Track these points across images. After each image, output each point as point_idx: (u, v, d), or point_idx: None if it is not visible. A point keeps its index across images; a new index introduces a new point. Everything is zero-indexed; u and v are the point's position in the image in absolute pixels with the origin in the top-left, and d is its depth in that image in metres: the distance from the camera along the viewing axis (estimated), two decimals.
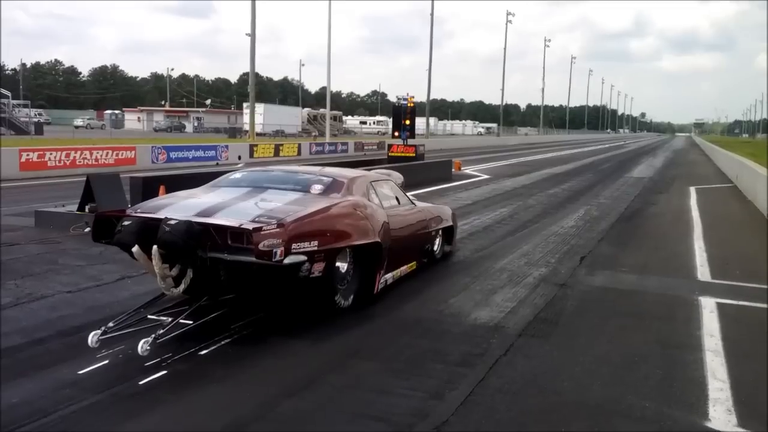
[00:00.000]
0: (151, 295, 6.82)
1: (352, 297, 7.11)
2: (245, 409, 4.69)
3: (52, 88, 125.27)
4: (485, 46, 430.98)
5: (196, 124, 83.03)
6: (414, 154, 28.09)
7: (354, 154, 42.95)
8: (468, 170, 29.39)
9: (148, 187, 12.79)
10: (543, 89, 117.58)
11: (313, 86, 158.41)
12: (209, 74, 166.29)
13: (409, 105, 29.49)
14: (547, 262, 9.85)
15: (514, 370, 5.57)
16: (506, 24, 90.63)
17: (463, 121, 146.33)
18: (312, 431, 4.48)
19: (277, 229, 5.83)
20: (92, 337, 5.53)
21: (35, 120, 57.05)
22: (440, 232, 9.86)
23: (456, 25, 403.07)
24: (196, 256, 5.85)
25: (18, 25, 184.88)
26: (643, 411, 4.84)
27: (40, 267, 8.67)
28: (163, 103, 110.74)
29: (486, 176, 26.64)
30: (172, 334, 5.73)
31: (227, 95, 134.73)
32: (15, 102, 60.67)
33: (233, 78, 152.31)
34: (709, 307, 7.66)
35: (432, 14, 67.97)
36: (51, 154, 22.66)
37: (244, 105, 68.30)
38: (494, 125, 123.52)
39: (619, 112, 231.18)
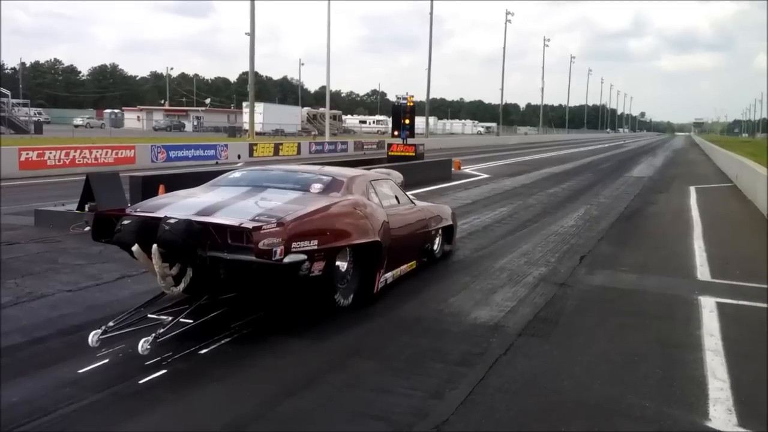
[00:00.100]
0: (150, 294, 6.81)
1: (351, 296, 7.11)
2: (245, 408, 4.69)
3: (52, 87, 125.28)
4: (485, 45, 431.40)
5: (195, 123, 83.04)
6: (413, 154, 28.10)
7: (353, 154, 42.96)
8: (467, 169, 29.39)
9: (147, 186, 12.79)
10: (542, 89, 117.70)
11: (312, 85, 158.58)
12: (209, 73, 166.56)
13: (408, 104, 29.50)
14: (546, 262, 9.85)
15: (514, 369, 5.57)
16: (505, 23, 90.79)
17: (463, 121, 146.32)
18: (312, 430, 4.48)
19: (277, 228, 5.82)
20: (92, 337, 5.53)
21: (35, 119, 56.89)
22: (440, 231, 9.87)
23: (455, 25, 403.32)
24: (196, 255, 5.83)
25: (17, 24, 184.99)
26: (643, 410, 4.84)
27: (40, 266, 8.67)
28: (162, 102, 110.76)
29: (485, 175, 26.65)
30: (172, 333, 5.72)
31: (227, 94, 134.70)
32: (14, 101, 60.57)
33: (233, 77, 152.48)
34: (708, 306, 7.67)
35: (431, 13, 68.10)
36: (50, 153, 22.65)
37: (244, 104, 68.28)
38: (494, 125, 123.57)
39: (619, 112, 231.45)
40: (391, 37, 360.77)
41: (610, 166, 37.45)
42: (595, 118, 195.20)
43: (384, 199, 8.21)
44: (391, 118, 34.79)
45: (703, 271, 9.63)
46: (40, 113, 70.57)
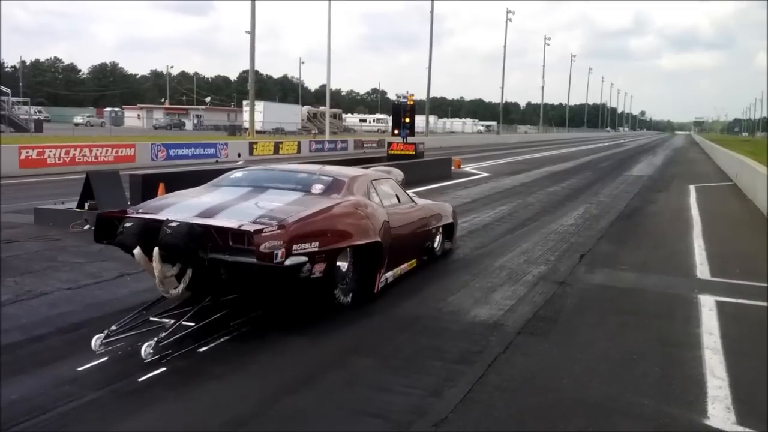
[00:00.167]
0: (150, 293, 6.84)
1: (351, 295, 7.13)
2: (245, 406, 4.70)
3: (52, 85, 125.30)
4: (485, 43, 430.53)
5: (195, 121, 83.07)
6: (414, 152, 28.11)
7: (354, 152, 42.95)
8: (467, 168, 29.39)
9: (147, 185, 12.81)
10: (543, 87, 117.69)
11: (312, 84, 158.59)
12: (209, 72, 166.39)
13: (408, 103, 29.50)
14: (546, 260, 9.85)
15: (513, 367, 5.58)
16: (506, 22, 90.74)
17: (463, 119, 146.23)
18: (311, 428, 4.48)
19: (278, 231, 5.83)
20: (95, 341, 5.51)
21: (35, 117, 56.90)
22: (440, 229, 9.90)
23: (456, 23, 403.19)
24: (197, 258, 5.83)
25: (17, 23, 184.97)
26: (642, 409, 4.84)
27: (39, 264, 8.67)
28: (162, 100, 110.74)
29: (485, 174, 26.65)
30: (174, 337, 5.72)
31: (227, 93, 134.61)
32: (15, 99, 60.54)
33: (233, 75, 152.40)
34: (708, 305, 7.67)
35: (432, 12, 68.01)
36: (50, 151, 22.65)
37: (244, 103, 68.18)
38: (494, 123, 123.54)
39: (619, 111, 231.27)
40: (392, 36, 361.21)
41: (609, 164, 37.44)
42: (596, 116, 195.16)
43: (385, 198, 8.23)
44: (391, 117, 34.80)
45: (702, 269, 9.63)
46: (40, 111, 70.53)
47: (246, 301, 6.82)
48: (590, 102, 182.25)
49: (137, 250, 5.81)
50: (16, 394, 4.75)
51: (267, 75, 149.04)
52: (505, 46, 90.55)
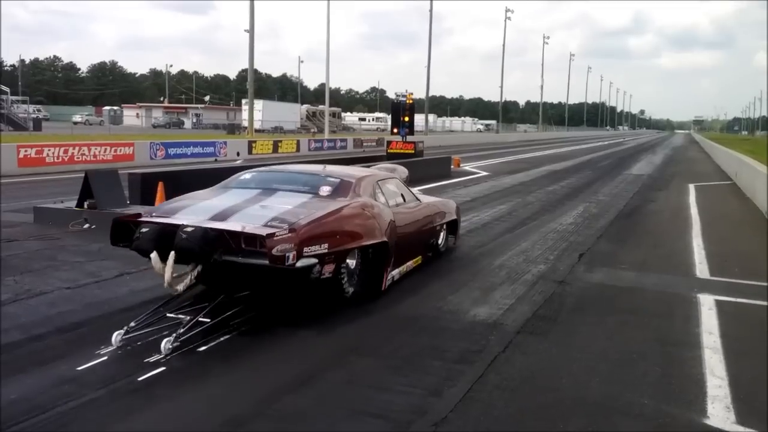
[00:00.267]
0: (149, 292, 7.06)
1: (360, 293, 7.28)
2: (244, 406, 4.70)
3: (51, 84, 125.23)
4: (484, 42, 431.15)
5: (194, 120, 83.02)
6: (413, 151, 28.11)
7: (353, 151, 42.94)
8: (467, 167, 29.38)
9: (146, 184, 12.82)
10: (542, 86, 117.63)
11: (312, 83, 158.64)
12: (208, 70, 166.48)
13: (408, 102, 29.49)
14: (545, 259, 9.85)
15: (513, 367, 5.57)
16: (505, 21, 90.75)
17: (462, 118, 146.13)
18: (310, 428, 4.48)
19: (289, 234, 5.96)
20: (115, 337, 5.67)
21: (34, 116, 56.91)
22: (444, 226, 10.04)
23: (455, 22, 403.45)
24: (211, 261, 6.01)
25: (17, 21, 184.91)
26: (641, 408, 4.84)
27: (38, 263, 8.67)
28: (161, 99, 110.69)
29: (485, 173, 26.64)
30: (192, 333, 5.83)
31: (226, 91, 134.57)
32: (14, 98, 60.42)
33: (232, 74, 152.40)
34: (707, 304, 7.67)
35: (431, 10, 68.00)
36: (49, 150, 22.64)
37: (243, 101, 68.16)
38: (493, 122, 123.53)
39: (618, 110, 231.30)
40: (391, 35, 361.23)
41: (609, 163, 37.42)
42: (595, 115, 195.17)
43: (390, 197, 8.37)
44: (390, 116, 34.79)
45: (702, 268, 9.63)
46: (39, 110, 70.55)
47: (252, 300, 6.84)
48: (589, 101, 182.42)
49: (154, 254, 5.99)
50: (15, 393, 4.75)
51: (266, 74, 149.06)
52: (504, 45, 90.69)
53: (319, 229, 6.43)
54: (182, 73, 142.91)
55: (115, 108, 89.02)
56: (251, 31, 44.47)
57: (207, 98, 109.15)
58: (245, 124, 56.52)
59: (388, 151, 29.04)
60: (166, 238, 5.98)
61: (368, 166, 12.96)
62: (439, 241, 9.88)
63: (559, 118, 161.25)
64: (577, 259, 9.97)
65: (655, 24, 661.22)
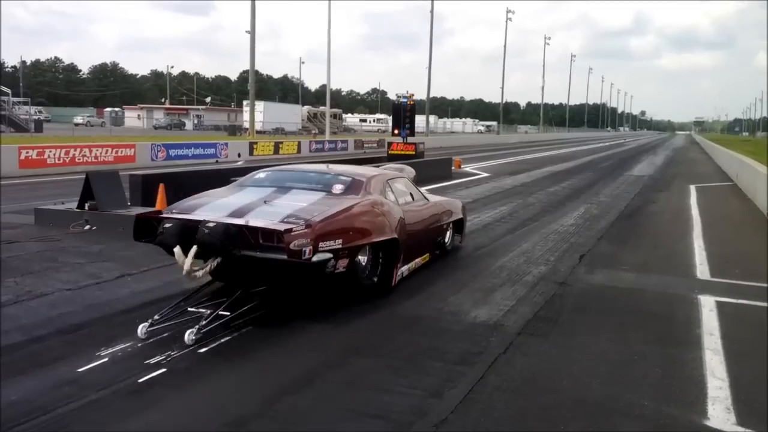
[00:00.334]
0: (150, 294, 7.14)
1: (371, 288, 7.51)
2: (245, 407, 4.70)
3: (52, 85, 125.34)
4: (485, 43, 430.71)
5: (196, 121, 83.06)
6: (414, 152, 28.12)
7: (354, 152, 42.95)
8: (468, 168, 29.39)
9: (147, 185, 12.82)
10: (543, 87, 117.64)
11: (313, 84, 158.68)
12: (209, 72, 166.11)
13: (409, 103, 29.50)
14: (546, 261, 9.85)
15: (513, 368, 5.57)
16: (506, 22, 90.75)
17: (463, 119, 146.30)
18: (311, 428, 4.48)
19: (306, 230, 6.24)
20: (141, 329, 5.93)
21: (35, 117, 56.90)
22: (451, 225, 10.27)
23: (456, 23, 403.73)
24: (231, 255, 6.25)
25: (18, 22, 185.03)
26: (642, 409, 4.84)
27: (39, 264, 8.67)
28: (163, 100, 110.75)
29: (486, 174, 26.64)
30: (213, 325, 6.06)
31: (227, 93, 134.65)
32: (15, 99, 60.55)
33: (233, 75, 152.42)
34: (708, 305, 7.67)
35: (432, 11, 68.02)
36: (50, 151, 22.65)
37: (244, 103, 68.19)
38: (494, 123, 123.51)
39: (619, 111, 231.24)
40: (392, 36, 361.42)
41: (610, 164, 37.43)
42: (596, 116, 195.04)
43: (400, 196, 8.60)
44: (391, 117, 34.79)
45: (702, 270, 9.63)
46: (40, 112, 70.54)
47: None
48: (590, 102, 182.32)
49: (177, 249, 6.22)
50: (15, 395, 4.75)
51: (267, 75, 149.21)
52: (505, 46, 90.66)
53: (333, 225, 6.68)
54: (183, 74, 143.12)
55: (117, 109, 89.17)
56: (252, 32, 44.52)
57: (208, 99, 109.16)
58: (246, 125, 56.59)
59: (389, 152, 29.05)
60: (189, 233, 6.25)
61: (377, 166, 13.01)
62: (446, 240, 10.09)
63: (560, 119, 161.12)
64: (578, 260, 9.97)
65: (656, 24, 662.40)
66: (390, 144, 30.18)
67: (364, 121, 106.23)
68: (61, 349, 5.73)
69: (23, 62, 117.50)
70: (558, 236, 12.09)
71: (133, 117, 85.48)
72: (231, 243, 6.18)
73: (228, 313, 6.32)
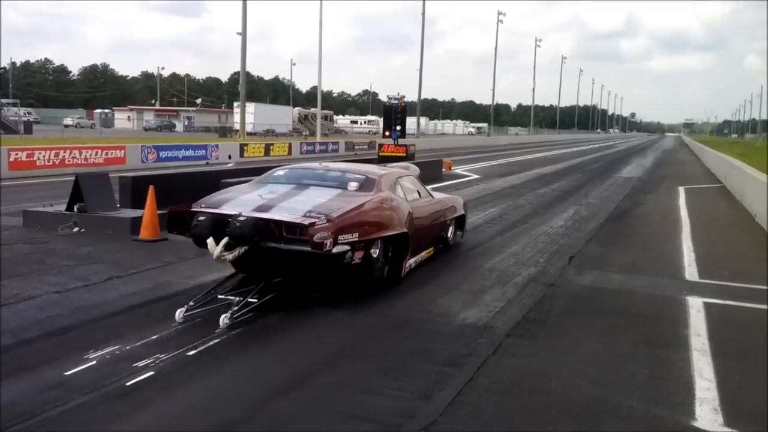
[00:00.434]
0: (138, 296, 7.17)
1: (382, 279, 8.00)
2: (233, 410, 4.69)
3: (42, 86, 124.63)
4: (477, 45, 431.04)
5: (186, 123, 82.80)
6: (404, 154, 28.16)
7: (345, 154, 42.91)
8: (458, 170, 29.43)
9: (137, 187, 12.77)
10: (534, 89, 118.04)
11: (304, 85, 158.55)
12: (200, 73, 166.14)
13: (400, 105, 29.52)
14: (536, 262, 9.88)
15: (503, 370, 5.59)
16: (497, 24, 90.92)
17: (454, 121, 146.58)
18: (299, 431, 4.47)
19: (327, 224, 6.74)
20: (178, 314, 6.46)
21: (24, 119, 56.66)
22: (453, 221, 10.83)
23: (447, 25, 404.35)
24: (258, 246, 6.76)
25: (7, 23, 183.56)
26: (630, 410, 4.86)
27: (27, 267, 8.62)
28: (153, 102, 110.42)
29: (476, 176, 26.68)
30: (244, 310, 6.55)
31: (218, 94, 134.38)
32: (4, 101, 60.37)
33: (224, 77, 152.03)
34: (696, 306, 7.71)
35: (423, 14, 67.99)
36: (40, 153, 22.52)
37: (235, 104, 68.18)
38: (485, 125, 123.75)
39: (609, 112, 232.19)
40: (383, 37, 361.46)
41: (599, 166, 37.57)
42: (586, 118, 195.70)
43: (408, 193, 9.14)
44: (382, 119, 34.81)
45: (691, 271, 9.68)
46: (30, 113, 70.22)
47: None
48: (581, 104, 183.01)
49: (210, 240, 6.77)
50: (3, 398, 4.71)
51: (258, 76, 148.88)
52: (496, 48, 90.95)
53: (350, 219, 7.17)
54: (174, 75, 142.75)
55: (107, 111, 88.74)
56: (243, 34, 44.49)
57: (199, 101, 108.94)
58: (237, 127, 56.49)
59: (380, 154, 29.08)
60: (220, 225, 6.79)
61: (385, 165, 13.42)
62: (449, 235, 10.66)
63: (551, 121, 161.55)
64: (567, 261, 10.00)
65: (647, 27, 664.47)
66: (381, 146, 30.21)
67: (355, 122, 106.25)
68: (49, 352, 5.70)
69: (13, 63, 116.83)
70: (547, 238, 12.13)
71: (123, 118, 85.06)
72: (259, 235, 6.69)
73: (256, 300, 6.82)
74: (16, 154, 21.71)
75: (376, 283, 7.89)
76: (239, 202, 7.40)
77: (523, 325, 6.80)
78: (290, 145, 40.08)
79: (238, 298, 6.85)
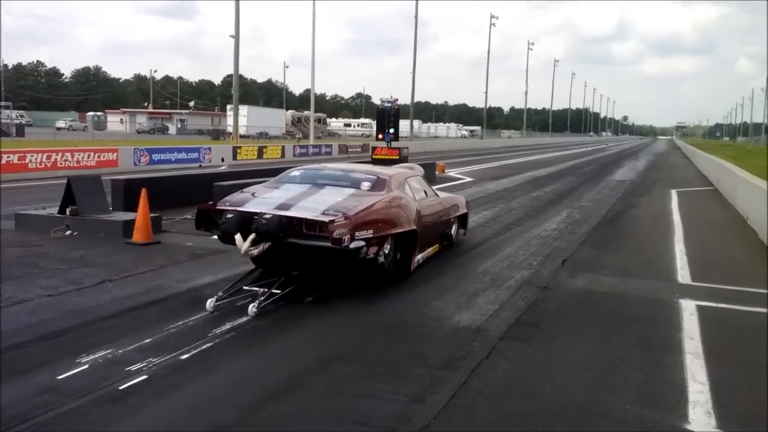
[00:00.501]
0: (131, 300, 7.18)
1: (392, 273, 8.44)
2: (227, 414, 4.67)
3: (34, 89, 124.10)
4: (470, 49, 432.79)
5: (179, 126, 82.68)
6: (398, 157, 28.06)
7: (338, 157, 42.90)
8: (451, 173, 29.45)
9: (129, 190, 12.75)
10: (526, 92, 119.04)
11: (297, 88, 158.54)
12: (193, 76, 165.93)
13: (393, 108, 29.50)
14: (529, 265, 9.89)
15: (496, 373, 5.59)
16: (490, 27, 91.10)
17: (447, 124, 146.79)
18: None
19: (345, 221, 7.21)
20: (209, 303, 6.98)
21: (17, 122, 56.49)
22: (456, 219, 11.34)
23: (440, 28, 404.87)
24: (281, 242, 7.22)
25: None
26: (623, 413, 4.87)
27: (19, 270, 8.57)
28: (146, 104, 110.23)
29: (469, 179, 26.72)
30: (269, 300, 7.09)
31: (211, 97, 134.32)
32: None
33: (217, 80, 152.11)
34: (689, 309, 7.73)
35: (416, 16, 68.08)
36: (32, 156, 22.43)
37: (228, 107, 68.12)
38: (478, 128, 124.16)
39: (602, 116, 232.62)
40: (377, 40, 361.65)
41: (592, 169, 37.65)
42: (579, 121, 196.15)
43: (416, 192, 9.63)
44: (375, 122, 34.79)
45: (683, 274, 9.71)
46: (22, 116, 70.06)
47: (239, 310, 7.00)
48: (573, 107, 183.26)
49: (238, 236, 7.26)
50: None
51: (251, 79, 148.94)
52: (488, 51, 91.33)
53: (366, 217, 7.63)
54: (167, 78, 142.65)
55: (99, 113, 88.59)
56: (236, 36, 44.44)
57: (192, 104, 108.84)
58: (230, 129, 56.38)
59: (373, 157, 28.99)
60: (246, 222, 7.28)
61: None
62: (452, 232, 11.14)
63: (543, 124, 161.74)
64: (561, 264, 10.02)
65: (638, 30, 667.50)
66: (374, 148, 30.13)
67: (349, 125, 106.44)
68: (41, 356, 5.67)
69: (5, 66, 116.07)
70: (541, 241, 12.15)
71: (115, 121, 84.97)
72: (284, 232, 7.17)
73: (278, 291, 7.32)
74: (8, 157, 21.60)
75: (387, 277, 8.32)
76: (261, 201, 7.90)
77: (516, 328, 6.81)
78: (283, 147, 40.05)
79: (262, 290, 7.32)
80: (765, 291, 8.56)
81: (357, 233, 7.30)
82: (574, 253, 11.04)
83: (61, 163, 23.23)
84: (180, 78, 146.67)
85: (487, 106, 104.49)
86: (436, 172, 26.75)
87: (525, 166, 38.55)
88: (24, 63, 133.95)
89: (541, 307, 7.67)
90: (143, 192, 10.77)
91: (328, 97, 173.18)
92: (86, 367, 5.40)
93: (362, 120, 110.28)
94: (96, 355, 5.62)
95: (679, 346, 6.41)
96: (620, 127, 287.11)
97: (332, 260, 7.82)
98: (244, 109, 66.57)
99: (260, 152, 36.36)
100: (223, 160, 32.17)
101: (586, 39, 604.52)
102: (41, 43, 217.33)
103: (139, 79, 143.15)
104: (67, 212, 11.47)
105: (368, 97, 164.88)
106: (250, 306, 6.86)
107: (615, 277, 9.35)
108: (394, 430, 4.47)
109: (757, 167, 25.03)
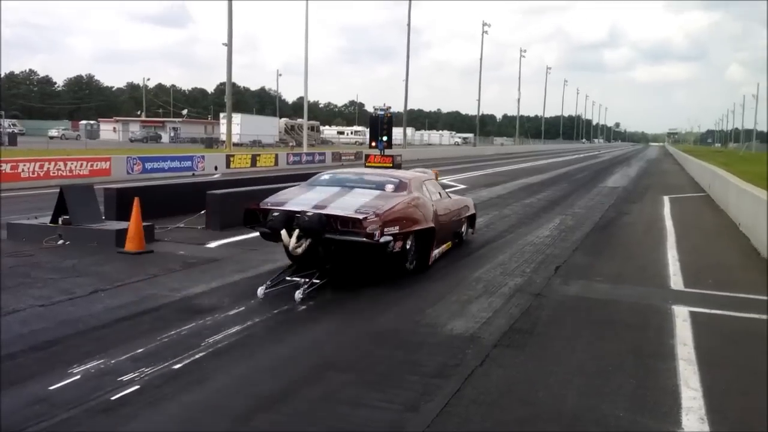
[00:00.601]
0: (124, 309, 7.19)
1: (413, 266, 9.39)
2: (219, 423, 4.65)
3: (27, 98, 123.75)
4: (462, 56, 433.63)
5: (172, 134, 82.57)
6: (391, 165, 27.96)
7: (331, 165, 42.90)
8: (445, 180, 29.45)
9: (122, 198, 12.71)
10: (519, 99, 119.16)
11: (290, 96, 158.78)
12: (186, 84, 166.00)
13: (386, 115, 29.54)
14: (522, 272, 9.91)
15: (490, 380, 5.59)
16: (482, 35, 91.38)
17: (440, 132, 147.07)
18: None
19: (376, 218, 8.18)
20: (260, 291, 7.88)
21: (9, 131, 56.30)
22: (466, 219, 12.41)
23: (433, 36, 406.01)
24: (321, 237, 8.08)
25: None
26: (617, 420, 4.87)
27: (12, 280, 8.53)
28: (139, 113, 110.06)
29: (462, 186, 26.73)
30: (312, 288, 7.98)
31: (204, 105, 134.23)
32: None
33: (210, 88, 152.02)
34: (682, 315, 7.75)
35: (409, 24, 68.29)
36: (25, 165, 22.35)
37: (221, 115, 68.02)
38: (471, 135, 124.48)
39: (594, 122, 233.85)
40: (370, 48, 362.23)
41: (585, 176, 37.75)
42: (571, 128, 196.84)
43: (432, 194, 10.51)
44: (368, 129, 34.83)
45: (676, 280, 9.74)
46: (14, 125, 69.84)
47: (237, 317, 6.80)
48: (566, 114, 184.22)
49: (283, 231, 8.09)
50: None
51: (244, 87, 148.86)
52: (481, 59, 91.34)
53: (393, 215, 8.59)
54: (159, 86, 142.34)
55: (92, 122, 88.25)
56: (229, 45, 44.46)
57: (185, 112, 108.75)
58: (223, 138, 56.27)
59: (366, 164, 28.88)
60: (290, 220, 8.13)
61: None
62: (463, 231, 12.18)
63: (536, 131, 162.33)
64: (554, 271, 10.03)
65: (630, 38, 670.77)
66: (367, 156, 30.09)
67: (342, 133, 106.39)
68: (33, 366, 5.64)
69: None
70: (533, 248, 12.17)
71: (108, 130, 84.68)
72: (323, 229, 8.03)
73: (318, 281, 8.17)
74: (1, 166, 21.52)
75: (408, 269, 9.24)
76: (300, 200, 8.83)
77: (510, 336, 6.81)
78: (277, 155, 40.00)
79: (304, 279, 8.11)
80: (758, 297, 8.60)
81: (386, 229, 8.26)
82: (567, 260, 11.06)
83: (53, 172, 23.15)
84: (173, 86, 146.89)
85: (480, 114, 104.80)
86: None
87: (518, 173, 38.64)
88: (16, 71, 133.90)
89: (534, 314, 7.67)
90: (136, 201, 10.74)
91: (321, 105, 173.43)
92: (78, 377, 5.38)
93: (355, 128, 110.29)
94: (88, 366, 5.59)
95: (672, 353, 6.42)
96: (612, 134, 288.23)
97: (362, 254, 8.67)
98: (237, 117, 66.60)
99: (254, 160, 36.32)
100: (216, 168, 32.08)
101: (578, 46, 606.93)
102: (34, 52, 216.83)
103: (132, 88, 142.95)
104: (60, 222, 11.43)
105: (361, 105, 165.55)
106: (296, 292, 7.72)
107: (608, 283, 9.36)
108: None
109: (748, 173, 25.18)
